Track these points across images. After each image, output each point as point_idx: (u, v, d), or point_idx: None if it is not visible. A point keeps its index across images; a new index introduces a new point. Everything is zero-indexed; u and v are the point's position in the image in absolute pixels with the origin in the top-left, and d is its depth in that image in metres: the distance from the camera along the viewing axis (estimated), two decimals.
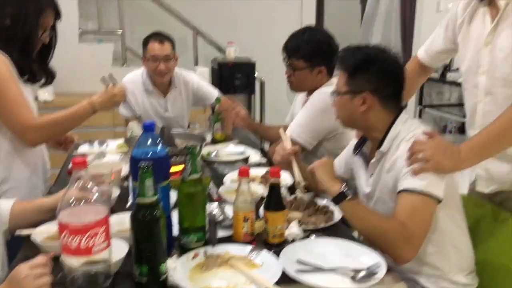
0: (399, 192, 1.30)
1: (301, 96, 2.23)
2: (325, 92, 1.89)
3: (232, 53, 4.01)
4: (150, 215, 1.02)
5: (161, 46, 2.43)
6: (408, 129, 1.39)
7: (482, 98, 1.49)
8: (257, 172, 1.79)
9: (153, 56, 2.43)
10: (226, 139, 2.38)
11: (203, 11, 4.37)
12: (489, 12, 1.44)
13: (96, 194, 0.99)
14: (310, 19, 4.82)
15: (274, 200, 1.27)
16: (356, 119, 1.44)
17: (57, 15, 1.65)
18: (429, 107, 5.51)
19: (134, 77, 2.59)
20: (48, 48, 1.72)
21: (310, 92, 2.08)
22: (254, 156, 2.09)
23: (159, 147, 1.18)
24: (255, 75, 4.12)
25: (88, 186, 0.99)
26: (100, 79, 1.97)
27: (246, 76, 3.98)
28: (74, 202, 0.97)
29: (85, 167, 0.99)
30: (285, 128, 2.25)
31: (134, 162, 1.12)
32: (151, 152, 1.15)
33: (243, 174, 1.27)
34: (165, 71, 2.47)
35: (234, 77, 3.91)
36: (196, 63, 4.21)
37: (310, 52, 2.00)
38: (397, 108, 1.44)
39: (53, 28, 1.68)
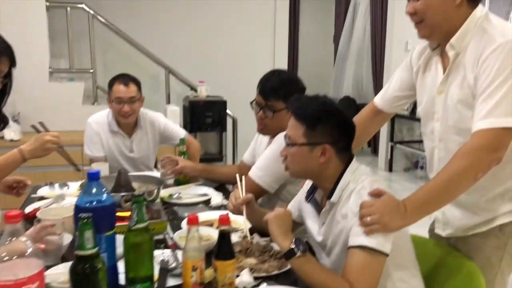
0: (349, 247, 1.30)
1: (262, 136, 2.22)
2: None
3: (204, 92, 4.06)
4: (90, 268, 1.00)
5: (126, 88, 2.45)
6: (357, 180, 1.39)
7: (437, 144, 1.52)
8: (217, 215, 1.77)
9: (117, 98, 2.44)
10: (191, 180, 2.36)
11: (175, 50, 4.44)
12: (441, 61, 1.48)
13: (30, 249, 0.96)
14: (282, 58, 4.90)
15: (223, 248, 1.25)
16: (312, 170, 1.43)
17: (12, 62, 1.65)
18: (400, 143, 5.61)
19: (99, 118, 2.58)
20: (2, 95, 1.71)
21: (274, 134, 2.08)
22: (216, 198, 2.08)
23: (105, 195, 1.16)
24: (227, 113, 4.16)
25: (23, 239, 0.97)
26: (30, 126, 1.97)
27: (217, 114, 4.01)
28: (6, 257, 0.94)
29: (19, 221, 0.97)
30: (243, 166, 2.29)
31: (78, 212, 1.10)
32: (95, 201, 1.14)
33: (192, 222, 1.25)
34: (130, 113, 2.48)
35: (206, 115, 3.94)
36: (168, 102, 4.24)
37: (288, 92, 1.98)
38: (348, 158, 1.45)
39: (8, 75, 1.67)
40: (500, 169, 1.35)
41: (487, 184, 1.38)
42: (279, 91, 1.94)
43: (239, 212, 1.56)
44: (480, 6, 1.42)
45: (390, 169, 5.78)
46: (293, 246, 1.31)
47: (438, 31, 1.42)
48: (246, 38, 4.72)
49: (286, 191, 2.00)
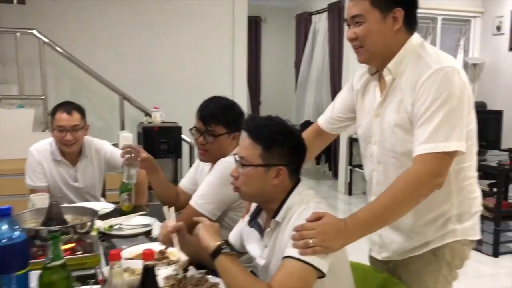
0: (284, 258, 1.29)
1: (202, 163, 2.20)
2: (230, 162, 1.90)
3: (158, 118, 4.02)
4: None
5: (69, 116, 2.39)
6: (303, 201, 1.39)
7: (376, 166, 1.54)
8: (158, 247, 1.73)
9: (60, 127, 2.38)
10: (135, 210, 2.30)
11: (129, 76, 4.40)
12: (379, 85, 1.52)
13: None
14: (242, 83, 4.91)
15: (147, 285, 1.21)
16: (265, 192, 1.42)
17: None
18: (359, 167, 5.68)
19: (41, 146, 2.51)
20: None
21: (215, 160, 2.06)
22: (158, 229, 2.03)
23: (17, 232, 1.11)
24: (183, 139, 4.12)
25: None
26: None
27: (172, 140, 3.97)
28: None
29: None
30: (181, 192, 2.23)
31: None
32: (6, 239, 1.09)
33: (113, 258, 1.21)
34: (72, 141, 2.42)
35: (160, 141, 3.90)
36: (122, 128, 4.18)
37: (228, 117, 1.99)
38: (297, 179, 1.45)
39: None
40: (435, 194, 1.37)
41: (422, 208, 1.40)
42: (219, 116, 1.96)
43: (170, 242, 1.52)
44: (416, 34, 1.47)
45: (350, 192, 5.84)
46: (222, 245, 1.33)
47: (377, 56, 1.46)
48: (204, 64, 4.73)
49: (228, 218, 1.98)
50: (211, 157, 2.02)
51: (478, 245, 3.91)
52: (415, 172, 1.32)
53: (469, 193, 1.49)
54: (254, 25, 7.66)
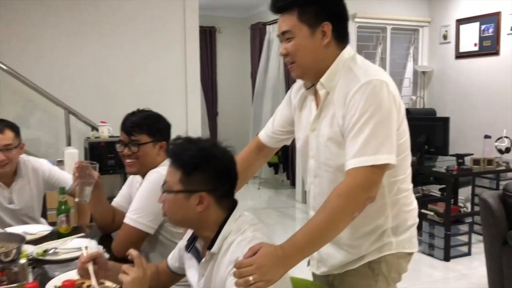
0: None
1: (135, 178, 2.13)
2: (160, 172, 1.84)
3: (106, 132, 3.90)
4: None
5: (1, 135, 2.27)
6: (240, 229, 1.33)
7: (313, 179, 1.54)
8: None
9: None
10: (74, 232, 2.19)
11: (76, 89, 4.23)
12: (315, 100, 1.51)
13: None
14: (195, 97, 4.82)
15: None
16: (192, 219, 1.35)
17: None
18: None
19: None
20: None
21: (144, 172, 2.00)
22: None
23: None
24: None
25: None
26: None
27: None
28: None
29: None
30: (115, 209, 2.15)
31: None
32: None
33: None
34: (6, 161, 2.28)
35: (108, 156, 3.77)
36: (69, 143, 4.02)
37: (152, 126, 1.96)
38: (231, 204, 1.39)
39: None
40: (370, 207, 1.36)
41: (358, 222, 1.38)
42: (142, 125, 1.95)
43: (86, 273, 1.40)
44: (348, 47, 1.47)
45: (305, 201, 5.85)
46: None
47: (309, 71, 1.46)
48: (155, 76, 4.62)
49: (165, 231, 1.93)
50: (139, 168, 1.97)
51: (430, 250, 3.99)
52: (346, 187, 1.30)
53: (404, 206, 1.49)
54: (209, 35, 7.63)
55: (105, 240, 2.12)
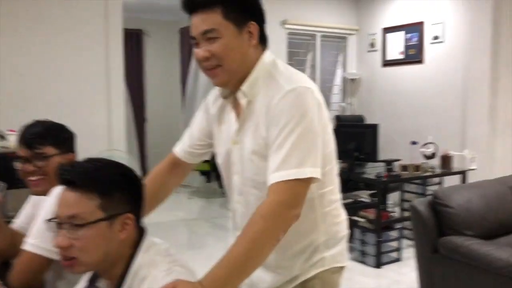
0: None
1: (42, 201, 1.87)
2: None
3: (15, 142, 3.51)
4: None
5: None
6: (151, 264, 1.14)
7: (238, 198, 1.40)
8: None
9: None
10: None
11: None
12: (235, 110, 1.36)
13: None
14: (118, 99, 4.53)
15: None
16: (112, 253, 1.13)
17: None
18: None
19: None
20: None
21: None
22: None
23: None
24: None
25: None
26: None
27: None
28: None
29: None
30: (16, 235, 1.86)
31: None
32: None
33: None
34: None
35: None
36: None
37: (57, 136, 1.72)
38: (140, 233, 1.19)
39: None
40: (299, 225, 1.23)
41: (288, 240, 1.27)
42: (46, 136, 1.69)
43: None
44: (268, 51, 1.35)
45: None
46: None
47: (235, 76, 1.30)
48: (74, 80, 4.28)
49: None
50: (49, 186, 1.66)
51: (363, 257, 3.98)
52: (268, 206, 1.17)
53: (334, 218, 1.41)
54: (136, 39, 7.30)
55: (2, 269, 1.83)
